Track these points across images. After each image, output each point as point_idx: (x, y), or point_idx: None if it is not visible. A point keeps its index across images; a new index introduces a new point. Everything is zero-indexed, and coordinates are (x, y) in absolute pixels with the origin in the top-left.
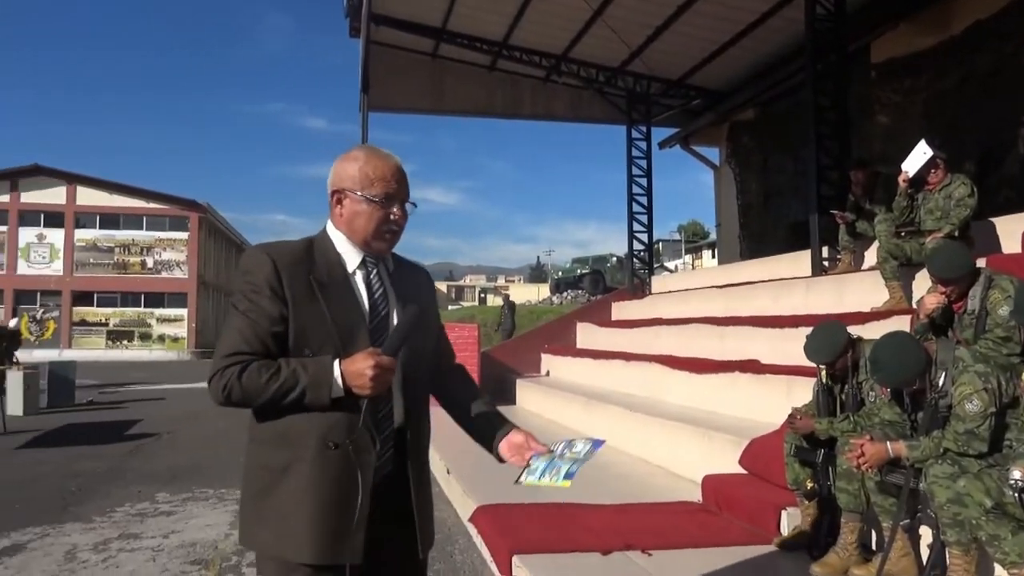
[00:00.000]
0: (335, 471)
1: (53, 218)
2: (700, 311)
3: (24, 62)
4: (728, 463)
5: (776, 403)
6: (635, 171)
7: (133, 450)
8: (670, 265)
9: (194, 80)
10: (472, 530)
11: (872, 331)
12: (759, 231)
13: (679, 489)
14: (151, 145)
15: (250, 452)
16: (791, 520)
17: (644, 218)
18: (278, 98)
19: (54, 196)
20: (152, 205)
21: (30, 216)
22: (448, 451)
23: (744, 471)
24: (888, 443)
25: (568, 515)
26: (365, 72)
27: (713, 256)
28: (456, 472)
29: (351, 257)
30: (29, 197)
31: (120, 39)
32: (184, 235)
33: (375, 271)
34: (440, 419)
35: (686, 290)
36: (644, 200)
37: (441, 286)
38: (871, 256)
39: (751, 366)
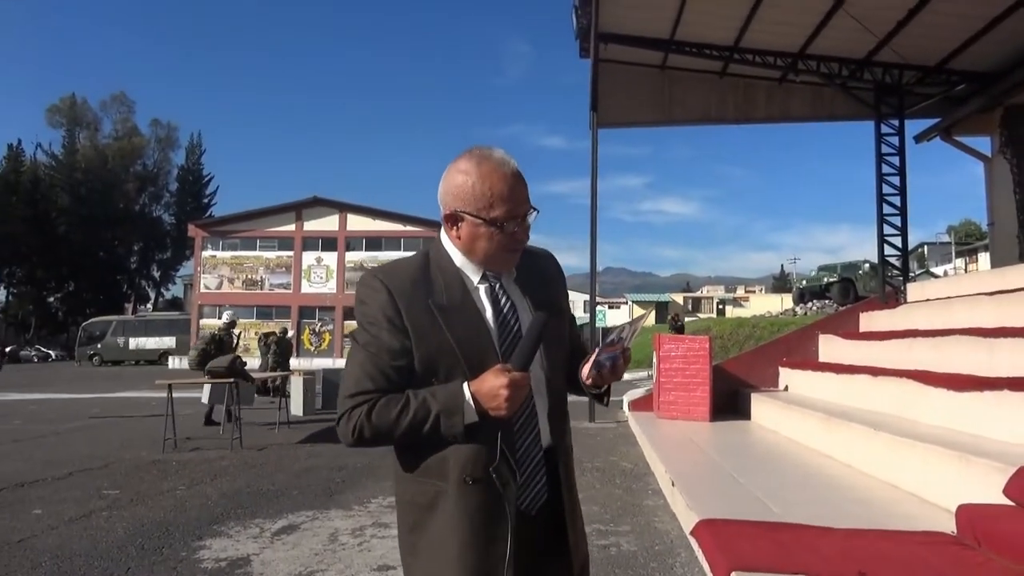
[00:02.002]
0: (477, 506)
1: (328, 243)
2: (964, 321)
3: (301, 108)
4: (990, 492)
5: None
6: (886, 169)
7: (389, 449)
8: (938, 271)
9: (444, 111)
10: (694, 544)
11: None
12: None
13: (930, 518)
14: (407, 172)
15: (397, 489)
16: None
17: (897, 220)
18: (518, 120)
19: (329, 224)
20: (408, 228)
21: (310, 242)
22: (673, 464)
23: (1010, 502)
24: None
25: (796, 536)
26: (594, 90)
27: None
28: (680, 485)
29: (470, 271)
30: (310, 225)
31: (382, 85)
32: None
33: (498, 284)
34: (661, 432)
35: (948, 298)
36: (897, 200)
37: (677, 298)
38: None
39: None
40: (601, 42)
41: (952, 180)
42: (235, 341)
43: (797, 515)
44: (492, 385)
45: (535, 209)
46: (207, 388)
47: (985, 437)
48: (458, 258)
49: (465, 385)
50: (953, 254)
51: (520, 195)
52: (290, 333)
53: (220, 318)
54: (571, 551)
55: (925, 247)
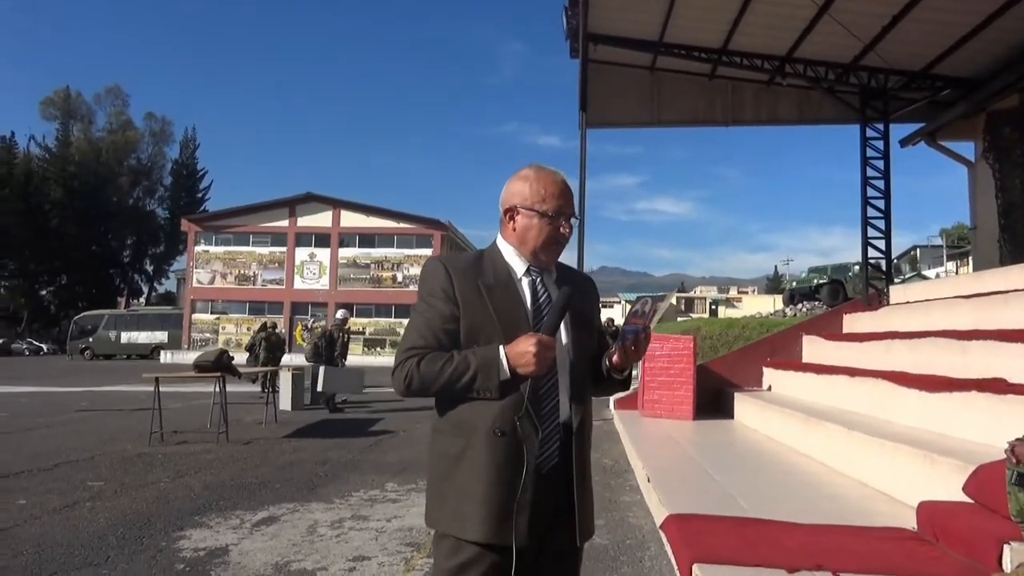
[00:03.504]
0: (502, 456)
1: (321, 239)
2: (941, 323)
3: (295, 109)
4: (952, 490)
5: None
6: (871, 173)
7: (372, 444)
8: (930, 273)
9: (439, 111)
10: (663, 538)
11: None
12: None
13: (896, 515)
14: (403, 170)
15: (432, 441)
16: (1015, 556)
17: (881, 223)
18: (513, 119)
19: (322, 220)
20: (401, 225)
21: (304, 237)
22: (652, 460)
23: (968, 499)
24: None
25: (761, 532)
26: (583, 91)
27: None
28: (655, 481)
29: (517, 265)
30: (303, 221)
31: (377, 87)
32: (428, 251)
33: (540, 278)
34: (644, 430)
35: (927, 300)
36: (881, 204)
37: (671, 297)
38: None
39: (993, 385)
40: (590, 43)
41: (945, 183)
42: (345, 337)
43: (767, 511)
44: (523, 346)
45: (577, 217)
46: (321, 376)
47: (952, 436)
48: (508, 252)
49: (500, 347)
50: (944, 257)
51: (567, 198)
52: (279, 328)
53: (209, 313)
54: (576, 516)
55: (918, 250)
